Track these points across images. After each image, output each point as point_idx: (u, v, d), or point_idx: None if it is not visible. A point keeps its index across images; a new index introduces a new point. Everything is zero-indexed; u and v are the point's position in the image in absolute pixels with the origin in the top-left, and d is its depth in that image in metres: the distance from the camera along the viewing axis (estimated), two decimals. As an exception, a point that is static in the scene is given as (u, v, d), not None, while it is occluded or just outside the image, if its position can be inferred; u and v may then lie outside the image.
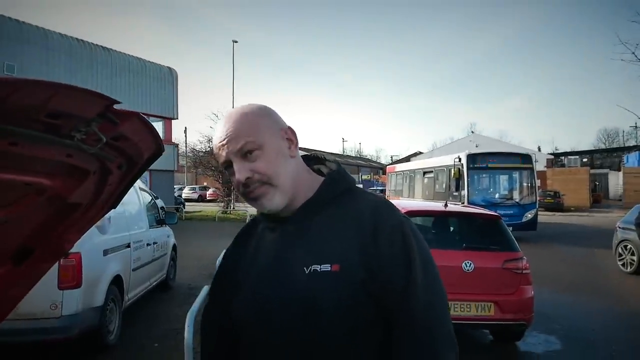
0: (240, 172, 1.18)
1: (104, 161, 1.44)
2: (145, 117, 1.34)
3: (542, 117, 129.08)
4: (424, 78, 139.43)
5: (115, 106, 1.13)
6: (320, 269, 1.13)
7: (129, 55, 23.91)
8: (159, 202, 12.85)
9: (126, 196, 6.21)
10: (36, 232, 1.64)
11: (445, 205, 6.01)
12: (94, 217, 1.81)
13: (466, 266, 5.15)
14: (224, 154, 1.19)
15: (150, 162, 1.64)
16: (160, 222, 7.85)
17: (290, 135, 1.25)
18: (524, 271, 5.35)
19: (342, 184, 1.28)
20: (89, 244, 4.87)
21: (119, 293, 5.59)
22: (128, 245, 5.92)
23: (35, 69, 19.00)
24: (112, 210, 5.72)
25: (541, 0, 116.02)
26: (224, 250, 1.40)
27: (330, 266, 1.12)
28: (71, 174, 1.41)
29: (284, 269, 1.17)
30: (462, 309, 5.10)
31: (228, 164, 1.20)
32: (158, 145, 1.54)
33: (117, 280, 5.47)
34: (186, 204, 30.38)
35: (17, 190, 1.34)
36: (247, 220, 1.39)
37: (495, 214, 6.05)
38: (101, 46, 22.47)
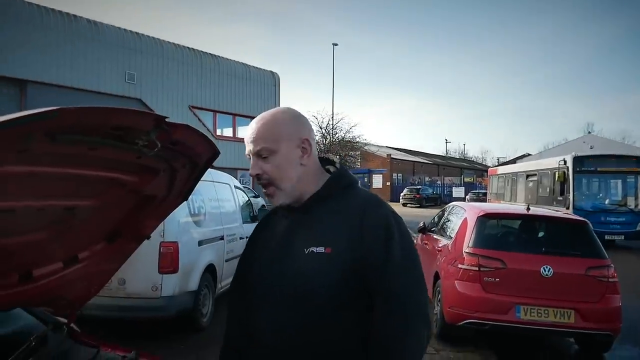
0: (253, 168, 1.48)
1: (170, 162, 1.81)
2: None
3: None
4: (533, 75, 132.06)
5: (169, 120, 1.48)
6: (317, 250, 1.40)
7: (234, 61, 25.41)
8: (260, 201, 13.63)
9: (221, 194, 6.82)
10: (122, 218, 2.07)
11: (527, 208, 5.91)
12: (169, 207, 2.21)
13: (545, 271, 5.06)
14: (247, 149, 1.50)
15: (210, 162, 2.00)
16: (254, 219, 8.42)
17: (306, 145, 1.49)
18: (610, 279, 5.14)
19: (343, 181, 1.54)
20: (186, 235, 5.47)
21: (213, 280, 6.17)
22: (222, 238, 6.49)
23: (151, 77, 20.86)
24: (207, 206, 6.33)
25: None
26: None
27: (324, 248, 1.39)
28: (144, 171, 1.80)
29: (289, 249, 1.45)
30: (539, 314, 5.02)
31: (249, 157, 1.51)
32: (213, 148, 1.89)
33: (210, 269, 6.03)
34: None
35: (104, 184, 1.75)
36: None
37: (582, 218, 5.84)
38: (209, 54, 24.11)
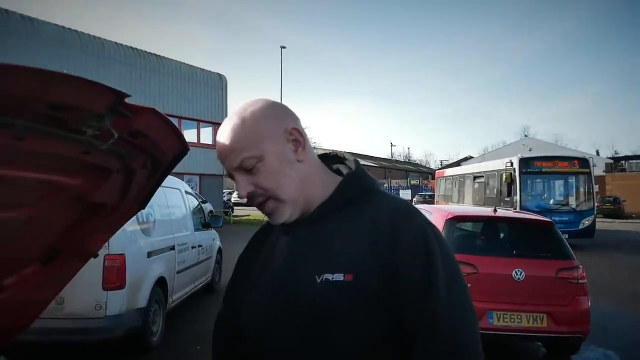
0: (242, 187, 1.10)
1: (126, 160, 1.40)
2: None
3: (601, 118, 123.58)
4: (474, 80, 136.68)
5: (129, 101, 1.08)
6: (333, 278, 1.03)
7: (179, 62, 24.57)
8: (208, 206, 13.09)
9: (171, 199, 6.22)
10: (62, 233, 1.62)
11: (495, 210, 5.76)
12: (122, 218, 1.78)
13: (517, 274, 4.90)
14: (225, 167, 1.12)
15: (177, 161, 1.59)
16: (206, 226, 7.93)
17: (296, 136, 1.13)
18: (579, 281, 5.05)
19: (360, 184, 1.17)
20: (133, 245, 4.94)
21: (163, 295, 5.65)
22: (172, 248, 5.98)
23: (92, 77, 19.79)
24: (156, 213, 5.73)
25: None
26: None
27: (344, 275, 1.02)
28: (92, 172, 1.37)
29: (294, 276, 1.08)
30: (512, 320, 4.86)
31: (231, 176, 1.13)
32: (182, 144, 1.49)
33: (161, 282, 5.52)
34: (235, 208, 30.82)
35: (35, 189, 1.31)
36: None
37: (549, 219, 5.76)
38: (153, 54, 23.20)
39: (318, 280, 1.04)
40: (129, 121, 1.11)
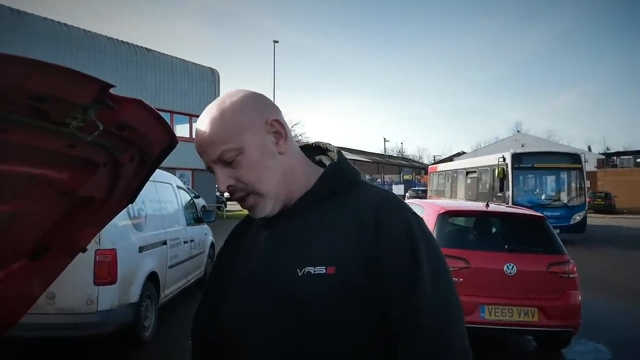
0: (222, 181, 1.07)
1: (113, 153, 1.38)
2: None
3: (593, 115, 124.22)
4: (467, 76, 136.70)
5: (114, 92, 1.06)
6: (315, 271, 1.01)
7: (172, 56, 24.41)
8: (200, 201, 13.04)
9: (163, 194, 6.18)
10: (50, 227, 1.60)
11: (487, 205, 5.78)
12: (110, 212, 1.76)
13: (508, 269, 4.92)
14: (204, 160, 1.09)
15: (165, 154, 1.57)
16: (198, 221, 7.91)
17: (277, 128, 1.10)
18: (570, 275, 5.08)
19: (344, 176, 1.15)
20: (125, 240, 4.91)
21: (155, 290, 5.63)
22: (164, 243, 5.95)
23: (84, 71, 19.67)
24: (147, 207, 5.69)
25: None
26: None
27: (325, 268, 1.01)
28: (78, 166, 1.35)
29: (275, 270, 1.05)
30: (503, 314, 4.88)
31: (210, 170, 1.10)
32: (170, 136, 1.47)
33: (153, 277, 5.49)
34: (228, 203, 30.73)
35: (21, 183, 1.29)
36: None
37: (540, 214, 5.78)
38: (145, 48, 23.02)
39: (299, 274, 1.02)
40: (115, 113, 1.09)
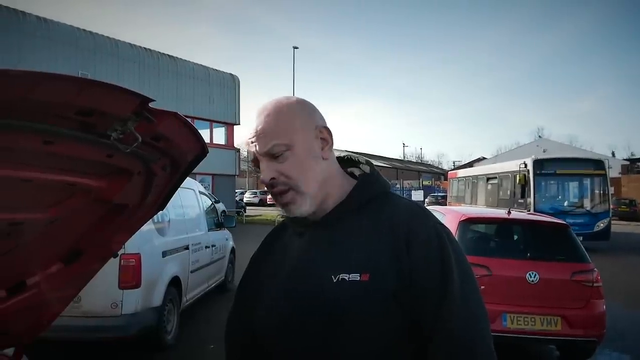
0: (266, 172, 1.12)
1: (147, 162, 1.42)
2: (187, 118, 1.31)
3: (617, 119, 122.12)
4: (488, 81, 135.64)
5: (153, 105, 1.10)
6: (349, 278, 1.05)
7: (193, 62, 24.71)
8: (220, 206, 13.15)
9: (185, 199, 6.24)
10: (84, 233, 1.65)
11: (509, 212, 5.73)
12: (142, 219, 1.81)
13: (530, 277, 4.87)
14: (252, 151, 1.14)
15: (195, 163, 1.62)
16: (219, 226, 7.98)
17: (325, 135, 1.17)
18: (594, 284, 4.99)
19: (375, 187, 1.20)
20: (149, 245, 4.99)
21: (178, 294, 5.70)
22: (187, 248, 6.03)
23: (106, 78, 20.00)
24: (170, 213, 5.76)
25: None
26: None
27: (360, 275, 1.05)
28: (115, 175, 1.40)
29: (310, 277, 1.10)
30: (525, 323, 4.82)
31: (256, 162, 1.15)
32: (201, 146, 1.52)
33: (175, 282, 5.57)
34: (247, 208, 30.94)
35: (61, 191, 1.34)
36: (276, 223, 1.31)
37: (563, 222, 5.71)
38: (167, 55, 23.35)
39: (334, 280, 1.06)
40: (152, 125, 1.14)
